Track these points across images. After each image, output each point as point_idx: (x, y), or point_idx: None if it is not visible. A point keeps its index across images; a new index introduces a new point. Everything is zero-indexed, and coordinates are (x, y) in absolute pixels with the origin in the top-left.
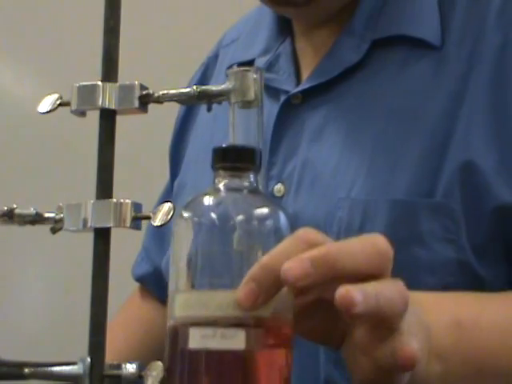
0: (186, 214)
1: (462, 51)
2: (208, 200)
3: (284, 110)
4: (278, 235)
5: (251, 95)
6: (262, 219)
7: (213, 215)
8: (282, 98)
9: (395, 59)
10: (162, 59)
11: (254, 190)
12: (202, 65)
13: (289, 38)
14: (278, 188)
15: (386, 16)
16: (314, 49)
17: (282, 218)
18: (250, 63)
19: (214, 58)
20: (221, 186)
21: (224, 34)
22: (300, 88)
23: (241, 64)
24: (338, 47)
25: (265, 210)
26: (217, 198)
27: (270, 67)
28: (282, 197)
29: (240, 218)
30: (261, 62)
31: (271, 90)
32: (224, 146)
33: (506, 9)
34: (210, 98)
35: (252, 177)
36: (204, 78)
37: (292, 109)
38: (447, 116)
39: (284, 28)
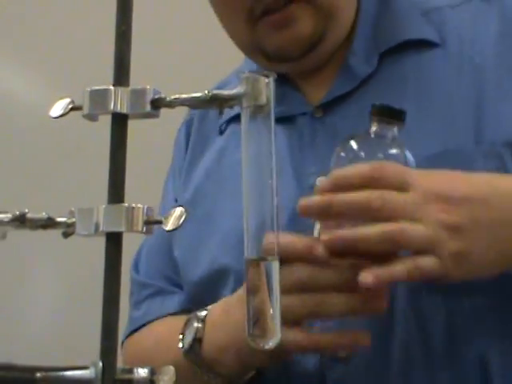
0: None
1: (462, 45)
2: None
3: (312, 122)
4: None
5: (263, 99)
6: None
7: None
8: (300, 119)
9: (407, 62)
10: (174, 63)
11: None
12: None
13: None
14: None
15: (384, 30)
16: (317, 84)
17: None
18: None
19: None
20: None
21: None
22: (324, 100)
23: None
24: (348, 67)
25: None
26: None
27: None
28: None
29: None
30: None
31: (285, 121)
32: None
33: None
34: (221, 103)
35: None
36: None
37: (317, 121)
38: (475, 89)
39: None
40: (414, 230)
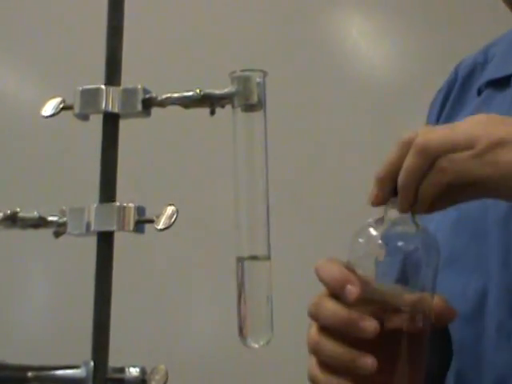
0: None
1: None
2: None
3: None
4: None
5: (254, 99)
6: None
7: None
8: None
9: None
10: (166, 62)
11: None
12: (441, 90)
13: None
14: None
15: None
16: None
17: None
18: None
19: (453, 82)
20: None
21: (461, 60)
22: None
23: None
24: None
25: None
26: None
27: None
28: None
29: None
30: None
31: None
32: None
33: None
34: (212, 102)
35: None
36: (446, 100)
37: None
38: None
39: None
40: None
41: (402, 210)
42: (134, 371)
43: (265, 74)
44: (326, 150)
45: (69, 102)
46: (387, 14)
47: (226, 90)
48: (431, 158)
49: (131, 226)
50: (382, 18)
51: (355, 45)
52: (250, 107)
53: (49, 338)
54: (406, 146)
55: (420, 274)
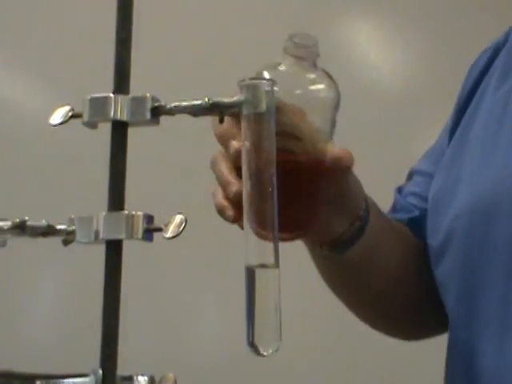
0: None
1: None
2: None
3: None
4: None
5: (263, 107)
6: None
7: None
8: None
9: None
10: (175, 70)
11: None
12: (487, 49)
13: None
14: None
15: None
16: None
17: None
18: None
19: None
20: None
21: None
22: None
23: None
24: None
25: None
26: None
27: None
28: None
29: None
30: None
31: None
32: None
33: None
34: (221, 110)
35: None
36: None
37: None
38: None
39: None
40: None
41: None
42: (142, 380)
43: (274, 82)
44: None
45: (77, 110)
46: (396, 23)
47: (234, 99)
48: None
49: (140, 235)
50: (391, 28)
51: (363, 54)
52: (258, 115)
53: (57, 346)
54: None
55: (318, 113)
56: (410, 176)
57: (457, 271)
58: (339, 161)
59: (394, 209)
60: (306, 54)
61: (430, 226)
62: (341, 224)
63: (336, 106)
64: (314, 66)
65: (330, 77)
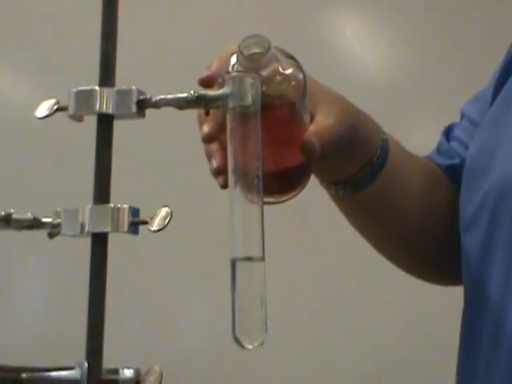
0: None
1: None
2: None
3: None
4: None
5: (248, 100)
6: None
7: None
8: None
9: None
10: (160, 63)
11: None
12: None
13: None
14: None
15: None
16: None
17: None
18: None
19: None
20: None
21: None
22: None
23: None
24: None
25: None
26: None
27: None
28: None
29: None
30: None
31: None
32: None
33: None
34: (207, 103)
35: None
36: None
37: None
38: None
39: None
40: None
41: None
42: (128, 372)
43: (259, 75)
44: None
45: (63, 103)
46: (381, 15)
47: (220, 92)
48: None
49: (125, 228)
50: (376, 19)
51: (349, 46)
52: (244, 108)
53: (42, 339)
54: None
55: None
56: (462, 115)
57: (483, 246)
58: (305, 150)
59: (438, 150)
60: (257, 64)
61: (462, 195)
62: (348, 169)
63: (303, 89)
64: (268, 65)
65: (292, 64)
